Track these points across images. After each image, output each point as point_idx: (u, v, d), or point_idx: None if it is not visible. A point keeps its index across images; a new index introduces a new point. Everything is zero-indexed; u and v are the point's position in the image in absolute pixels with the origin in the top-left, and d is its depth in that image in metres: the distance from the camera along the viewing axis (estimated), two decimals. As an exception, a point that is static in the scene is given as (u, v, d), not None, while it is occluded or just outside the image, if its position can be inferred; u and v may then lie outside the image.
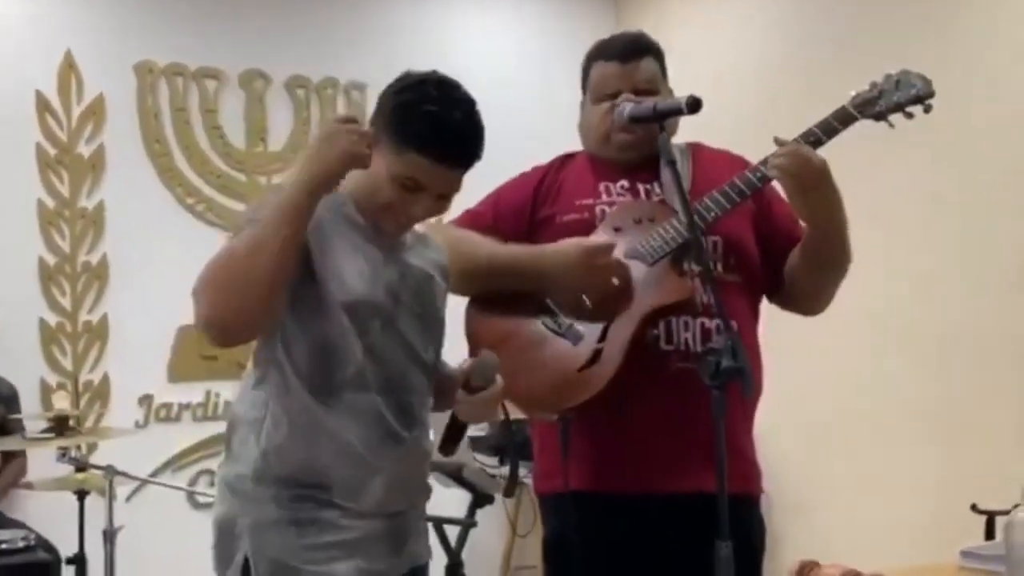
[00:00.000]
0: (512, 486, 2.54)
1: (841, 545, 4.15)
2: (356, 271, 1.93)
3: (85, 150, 4.58)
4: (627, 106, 2.21)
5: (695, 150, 2.39)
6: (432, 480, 3.90)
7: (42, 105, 4.51)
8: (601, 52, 2.38)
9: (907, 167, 3.88)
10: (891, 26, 4.04)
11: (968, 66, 3.68)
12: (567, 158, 2.43)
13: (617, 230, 2.22)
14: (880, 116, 2.17)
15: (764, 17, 4.78)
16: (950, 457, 3.76)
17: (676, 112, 2.07)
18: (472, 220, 2.38)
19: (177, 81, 4.76)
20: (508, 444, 3.76)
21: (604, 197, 2.29)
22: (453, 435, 2.11)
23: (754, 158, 2.27)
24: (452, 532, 3.67)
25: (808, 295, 2.34)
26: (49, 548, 3.65)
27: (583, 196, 2.31)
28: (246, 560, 1.88)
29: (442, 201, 1.94)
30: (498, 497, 3.68)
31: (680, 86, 2.37)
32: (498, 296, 2.27)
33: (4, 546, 3.39)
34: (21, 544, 3.43)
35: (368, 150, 1.81)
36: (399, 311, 1.98)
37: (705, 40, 4.96)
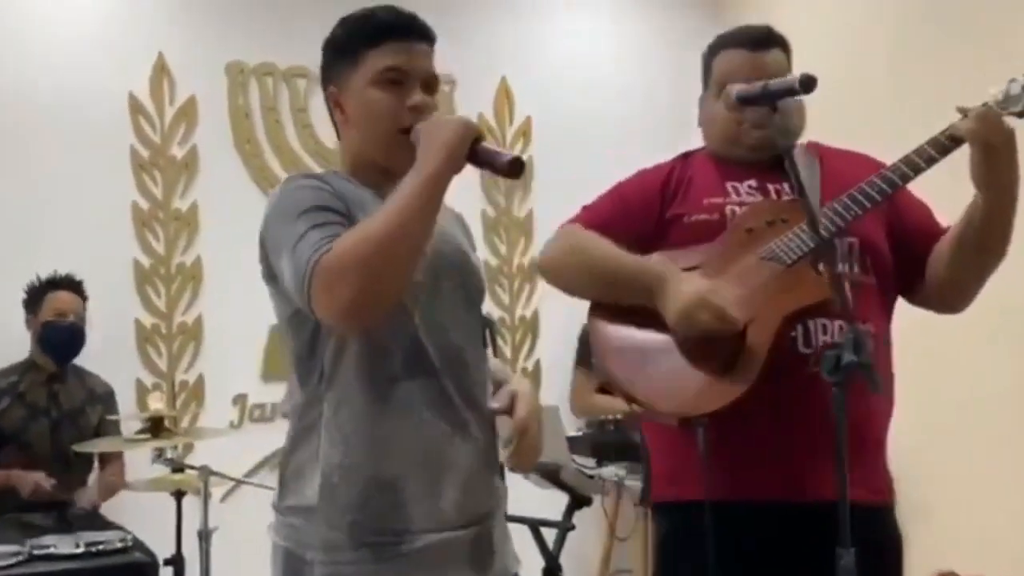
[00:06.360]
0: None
1: (967, 550, 3.97)
2: None
3: (178, 152, 4.60)
4: (734, 87, 2.06)
5: (819, 150, 2.28)
6: (528, 482, 3.86)
7: (135, 108, 4.54)
8: (727, 41, 2.27)
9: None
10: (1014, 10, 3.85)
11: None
12: (686, 156, 2.33)
13: (749, 231, 2.13)
14: None
15: (868, 13, 4.60)
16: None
17: (789, 92, 1.89)
18: (592, 217, 2.29)
19: (267, 81, 4.77)
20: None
21: (733, 197, 2.19)
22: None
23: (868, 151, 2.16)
24: (549, 535, 3.59)
25: (956, 287, 2.21)
26: (145, 550, 3.65)
27: (712, 195, 2.20)
28: None
29: (429, 93, 1.85)
30: (596, 499, 3.59)
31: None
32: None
33: (102, 547, 3.39)
34: (119, 545, 3.42)
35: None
36: (440, 283, 1.81)
37: (808, 37, 4.78)
